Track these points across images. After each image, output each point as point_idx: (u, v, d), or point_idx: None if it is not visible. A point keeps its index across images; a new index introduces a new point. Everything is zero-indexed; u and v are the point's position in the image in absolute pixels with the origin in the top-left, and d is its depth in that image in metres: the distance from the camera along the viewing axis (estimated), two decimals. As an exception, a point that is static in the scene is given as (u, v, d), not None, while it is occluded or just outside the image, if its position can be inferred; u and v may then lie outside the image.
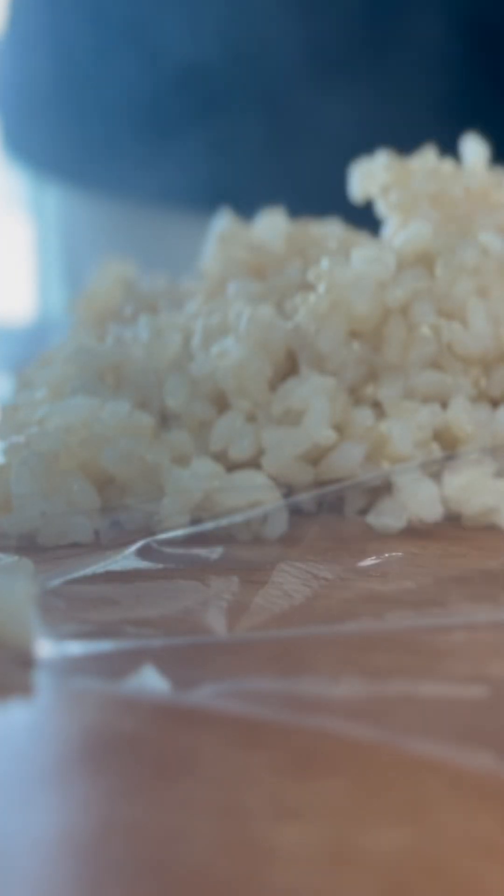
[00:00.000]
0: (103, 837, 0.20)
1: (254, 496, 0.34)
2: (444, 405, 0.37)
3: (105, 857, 0.19)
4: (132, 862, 0.19)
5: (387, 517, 0.34)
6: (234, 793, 0.21)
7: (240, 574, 0.31)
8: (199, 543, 0.33)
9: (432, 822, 0.20)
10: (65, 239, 0.83)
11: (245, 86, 0.68)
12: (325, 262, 0.38)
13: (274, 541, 0.34)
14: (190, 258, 0.46)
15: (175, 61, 0.69)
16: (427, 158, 0.41)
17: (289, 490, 0.35)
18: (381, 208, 0.41)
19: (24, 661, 0.26)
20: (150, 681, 0.24)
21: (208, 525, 0.33)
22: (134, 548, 0.32)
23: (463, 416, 0.36)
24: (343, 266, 0.37)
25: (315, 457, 0.36)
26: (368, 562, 0.32)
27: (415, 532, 0.34)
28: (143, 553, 0.32)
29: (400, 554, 0.33)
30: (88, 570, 0.31)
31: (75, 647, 0.26)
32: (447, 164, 0.41)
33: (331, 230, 0.42)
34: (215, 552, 0.32)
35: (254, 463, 0.36)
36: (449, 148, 0.42)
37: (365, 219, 0.43)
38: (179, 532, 0.33)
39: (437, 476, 0.35)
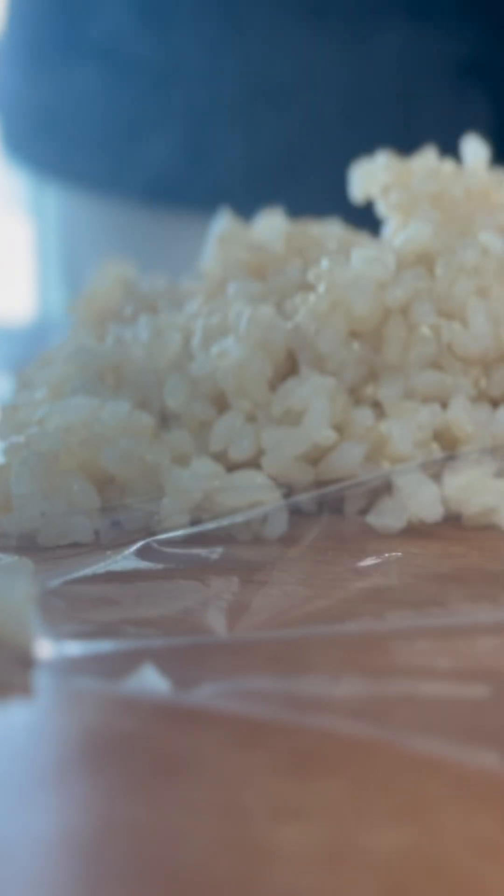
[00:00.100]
0: (103, 837, 0.20)
1: (254, 496, 0.34)
2: (444, 405, 0.37)
3: (105, 857, 0.19)
4: (132, 862, 0.19)
5: (387, 517, 0.34)
6: (234, 793, 0.21)
7: (240, 574, 0.31)
8: (199, 543, 0.33)
9: (433, 822, 0.20)
10: (65, 239, 0.83)
11: (245, 85, 0.68)
12: (324, 263, 0.38)
13: (274, 541, 0.34)
14: (190, 258, 0.46)
15: (175, 61, 0.69)
16: (427, 159, 0.41)
17: (289, 490, 0.35)
18: (382, 208, 0.41)
19: (24, 661, 0.26)
20: (150, 680, 0.24)
21: (208, 525, 0.33)
22: (134, 548, 0.32)
23: (463, 416, 0.36)
24: (343, 266, 0.37)
25: (315, 457, 0.36)
26: (368, 562, 0.32)
27: (415, 532, 0.34)
28: (143, 553, 0.32)
29: (400, 554, 0.33)
30: (88, 570, 0.31)
31: (75, 647, 0.26)
32: (448, 165, 0.41)
33: (330, 230, 0.42)
34: (215, 552, 0.32)
35: (254, 463, 0.36)
36: (450, 148, 0.42)
37: (365, 219, 0.43)
38: (179, 532, 0.33)
39: (437, 476, 0.35)
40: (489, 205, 0.40)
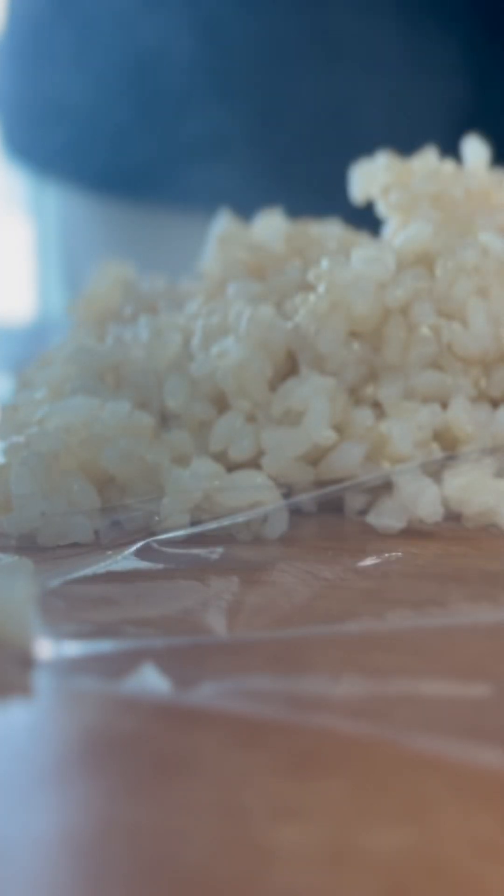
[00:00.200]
0: (103, 837, 0.20)
1: (254, 496, 0.34)
2: (444, 405, 0.37)
3: (105, 857, 0.19)
4: (132, 862, 0.19)
5: (387, 517, 0.34)
6: (234, 793, 0.21)
7: (240, 574, 0.31)
8: (199, 543, 0.33)
9: (432, 822, 0.20)
10: (65, 239, 0.83)
11: (245, 86, 0.68)
12: (324, 263, 0.38)
13: (274, 541, 0.34)
14: (190, 258, 0.46)
15: (175, 61, 0.69)
16: (428, 159, 0.41)
17: (289, 490, 0.35)
18: (382, 209, 0.41)
19: (24, 661, 0.26)
20: (150, 680, 0.24)
21: (208, 525, 0.33)
22: (134, 548, 0.32)
23: (463, 416, 0.36)
24: (343, 266, 0.37)
25: (315, 457, 0.36)
26: (368, 562, 0.32)
27: (415, 532, 0.34)
28: (143, 553, 0.32)
29: (400, 554, 0.33)
30: (88, 570, 0.31)
31: (75, 647, 0.26)
32: (448, 165, 0.41)
33: (330, 230, 0.42)
34: (215, 552, 0.32)
35: (254, 463, 0.36)
36: (450, 149, 0.42)
37: (365, 219, 0.43)
38: (179, 532, 0.33)
39: (437, 476, 0.35)
40: (489, 205, 0.40)
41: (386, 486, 0.35)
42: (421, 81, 0.66)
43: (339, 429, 0.36)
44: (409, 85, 0.66)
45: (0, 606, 0.26)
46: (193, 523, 0.34)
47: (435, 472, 0.35)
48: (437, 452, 0.36)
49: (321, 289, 0.37)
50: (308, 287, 0.38)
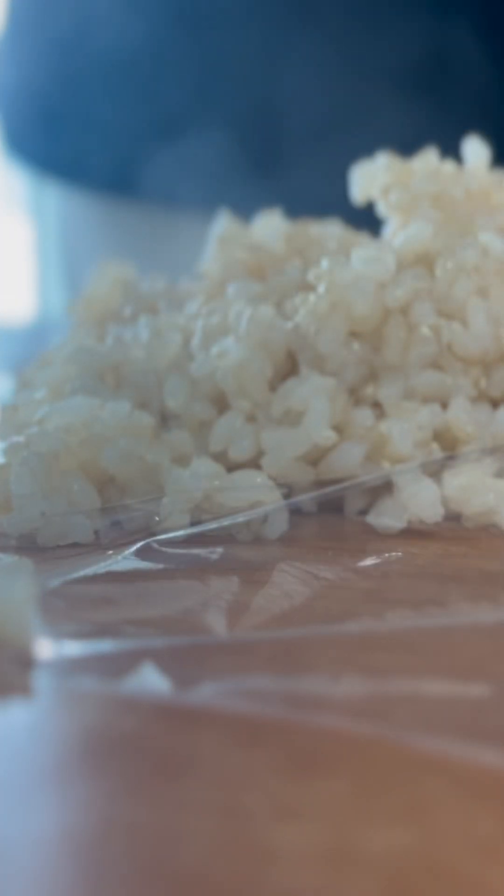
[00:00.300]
0: (103, 837, 0.20)
1: (254, 496, 0.34)
2: (444, 405, 0.37)
3: (105, 857, 0.19)
4: (132, 862, 0.19)
5: (387, 517, 0.34)
6: (234, 793, 0.21)
7: (240, 574, 0.31)
8: (199, 543, 0.33)
9: (432, 822, 0.20)
10: (65, 239, 0.83)
11: (246, 86, 0.68)
12: (324, 263, 0.38)
13: (274, 541, 0.34)
14: (190, 258, 0.46)
15: (175, 61, 0.69)
16: (428, 159, 0.41)
17: (289, 490, 0.35)
18: (382, 209, 0.41)
19: (24, 661, 0.26)
20: (150, 680, 0.24)
21: (208, 525, 0.33)
22: (134, 548, 0.32)
23: (463, 416, 0.36)
24: (343, 266, 0.37)
25: (315, 457, 0.36)
26: (368, 562, 0.32)
27: (415, 532, 0.34)
28: (143, 553, 0.32)
29: (400, 554, 0.33)
30: (88, 570, 0.31)
31: (75, 647, 0.26)
32: (448, 165, 0.41)
33: (330, 230, 0.42)
34: (215, 552, 0.32)
35: (254, 463, 0.36)
36: (450, 149, 0.42)
37: (365, 220, 0.43)
38: (179, 532, 0.33)
39: (437, 476, 0.35)
40: (490, 206, 0.40)
41: (386, 486, 0.35)
42: (421, 81, 0.66)
43: (339, 429, 0.36)
44: (409, 85, 0.66)
45: (0, 606, 0.26)
46: (193, 523, 0.34)
47: (435, 472, 0.35)
48: (437, 452, 0.36)
49: (321, 289, 0.37)
50: (308, 287, 0.38)
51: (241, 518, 0.33)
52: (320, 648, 0.27)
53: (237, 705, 0.23)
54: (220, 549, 0.32)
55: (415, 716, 0.23)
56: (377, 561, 0.32)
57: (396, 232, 0.40)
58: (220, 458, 0.36)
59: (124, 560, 0.32)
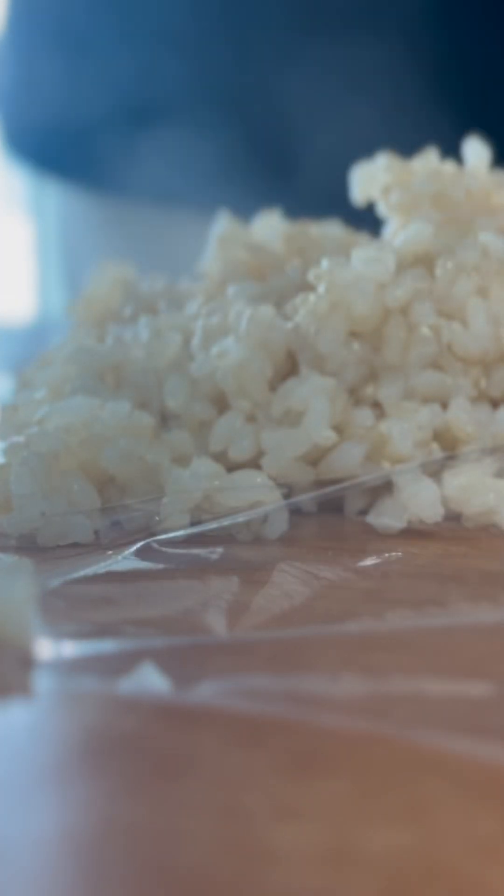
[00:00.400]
0: (103, 837, 0.20)
1: (254, 496, 0.34)
2: (444, 405, 0.37)
3: (105, 857, 0.19)
4: (132, 862, 0.19)
5: (387, 517, 0.34)
6: (234, 793, 0.21)
7: (240, 574, 0.31)
8: (199, 543, 0.33)
9: (432, 822, 0.20)
10: (65, 239, 0.83)
11: (246, 86, 0.68)
12: (324, 263, 0.38)
13: (274, 541, 0.34)
14: (190, 258, 0.46)
15: (175, 61, 0.69)
16: (428, 160, 0.41)
17: (289, 490, 0.35)
18: (382, 209, 0.41)
19: (24, 661, 0.26)
20: (150, 680, 0.24)
21: (208, 525, 0.33)
22: (134, 548, 0.32)
23: (463, 416, 0.36)
24: (343, 266, 0.37)
25: (315, 457, 0.36)
26: (368, 562, 0.32)
27: (415, 532, 0.34)
28: (143, 553, 0.32)
29: (400, 554, 0.33)
30: (88, 570, 0.31)
31: (75, 647, 0.26)
32: (448, 166, 0.41)
33: (330, 231, 0.42)
34: (215, 552, 0.32)
35: (254, 463, 0.36)
36: (451, 149, 0.42)
37: (365, 220, 0.43)
38: (179, 532, 0.33)
39: (437, 476, 0.35)
40: (489, 206, 0.40)
41: (386, 486, 0.35)
42: (421, 82, 0.66)
43: (339, 429, 0.36)
44: (409, 85, 0.66)
45: (0, 606, 0.26)
46: (193, 523, 0.34)
47: (435, 472, 0.35)
48: (437, 452, 0.36)
49: (321, 289, 0.37)
50: (308, 287, 0.38)
51: (241, 518, 0.33)
52: (320, 648, 0.27)
53: (237, 705, 0.23)
54: (220, 549, 0.32)
55: (415, 715, 0.23)
56: (377, 561, 0.32)
57: (396, 232, 0.40)
58: (220, 458, 0.36)
59: (124, 560, 0.32)
